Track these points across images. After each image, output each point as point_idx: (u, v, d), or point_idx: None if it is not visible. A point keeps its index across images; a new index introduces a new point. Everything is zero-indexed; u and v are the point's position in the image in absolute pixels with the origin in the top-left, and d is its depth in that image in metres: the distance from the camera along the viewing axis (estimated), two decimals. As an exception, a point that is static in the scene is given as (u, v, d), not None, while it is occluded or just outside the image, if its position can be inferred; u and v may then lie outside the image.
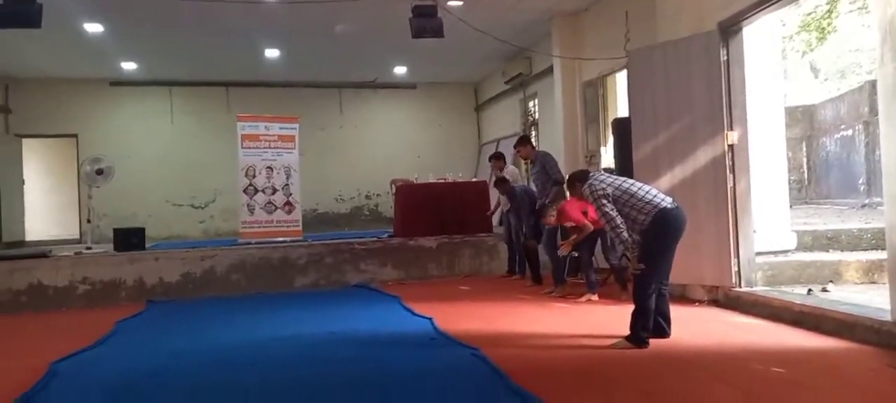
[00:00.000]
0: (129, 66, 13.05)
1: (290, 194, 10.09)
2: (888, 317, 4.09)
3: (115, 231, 8.72)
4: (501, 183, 7.97)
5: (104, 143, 13.26)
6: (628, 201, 4.45)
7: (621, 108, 9.39)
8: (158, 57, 12.55)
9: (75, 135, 14.07)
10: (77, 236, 13.39)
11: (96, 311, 7.13)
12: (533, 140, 13.17)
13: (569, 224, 6.37)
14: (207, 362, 4.62)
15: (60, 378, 4.20)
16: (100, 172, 10.04)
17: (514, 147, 8.38)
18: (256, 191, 9.86)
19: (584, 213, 6.21)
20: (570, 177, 5.37)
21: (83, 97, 14.09)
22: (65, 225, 14.44)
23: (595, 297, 6.28)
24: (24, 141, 14.07)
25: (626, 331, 4.40)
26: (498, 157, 8.74)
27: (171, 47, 11.80)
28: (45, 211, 14.77)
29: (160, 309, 7.09)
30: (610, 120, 9.16)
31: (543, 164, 7.62)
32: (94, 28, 10.35)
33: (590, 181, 4.66)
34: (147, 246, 8.85)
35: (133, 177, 13.59)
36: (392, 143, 15.64)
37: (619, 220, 4.43)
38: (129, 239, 8.45)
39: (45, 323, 6.70)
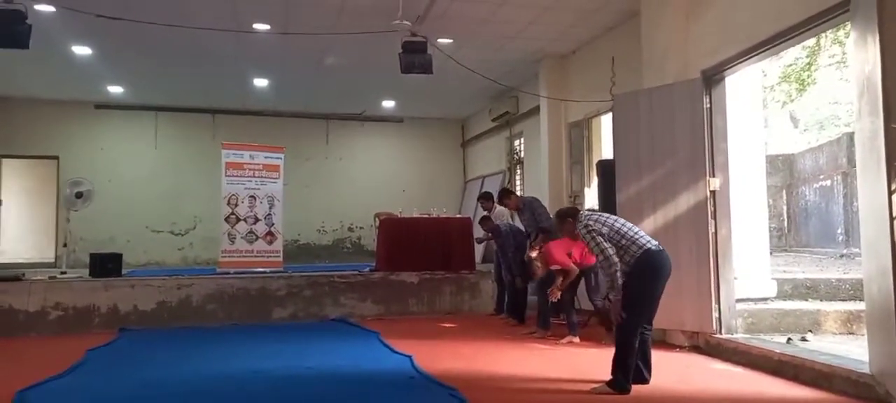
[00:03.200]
0: (115, 89, 12.99)
1: (273, 224, 10.00)
2: (866, 369, 4.10)
3: (92, 256, 8.56)
4: (485, 221, 7.96)
5: (85, 166, 13.14)
6: (618, 241, 4.44)
7: (606, 150, 9.48)
8: (145, 81, 12.51)
9: (57, 157, 13.92)
10: (52, 260, 13.13)
11: (67, 338, 6.95)
12: (517, 181, 13.30)
13: (553, 266, 6.36)
14: (179, 394, 4.50)
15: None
16: (79, 195, 9.89)
17: (499, 202, 8.38)
18: (238, 219, 9.76)
19: (569, 255, 6.20)
20: (559, 213, 5.37)
21: (67, 119, 13.98)
22: (40, 248, 14.18)
23: (576, 339, 6.25)
24: (4, 161, 13.87)
25: (608, 376, 4.36)
26: (486, 197, 8.78)
27: (158, 72, 11.78)
28: (22, 234, 14.52)
29: (133, 338, 6.93)
30: (594, 161, 9.24)
31: (532, 211, 7.69)
32: (82, 51, 10.32)
33: (585, 220, 4.59)
34: (124, 272, 8.69)
35: (113, 201, 13.45)
36: (377, 176, 15.64)
37: (615, 259, 4.35)
38: (105, 265, 8.29)
39: (14, 349, 6.51)
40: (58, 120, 13.89)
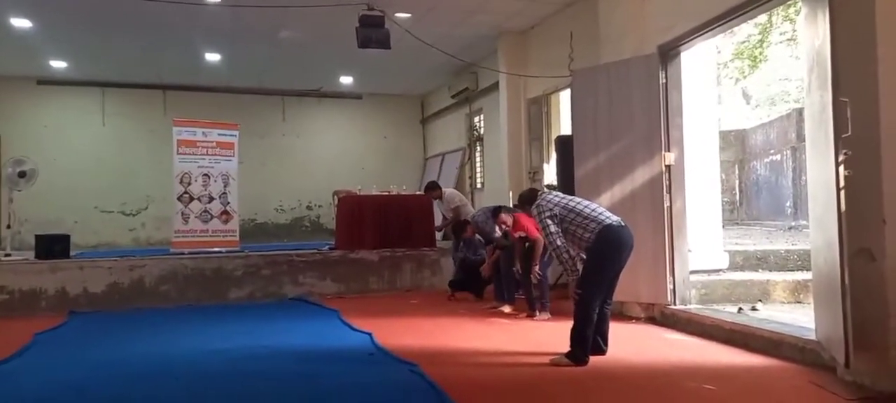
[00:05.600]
0: (58, 64, 12.44)
1: (228, 203, 9.77)
2: (812, 336, 4.24)
3: (38, 237, 8.22)
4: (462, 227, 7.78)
5: (29, 144, 12.58)
6: (574, 219, 4.50)
7: (564, 126, 9.55)
8: (91, 56, 12.00)
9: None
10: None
11: (13, 322, 6.68)
12: (477, 157, 13.31)
13: (519, 233, 6.33)
14: (132, 375, 4.37)
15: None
16: (22, 174, 9.46)
17: (425, 191, 9.31)
18: (192, 198, 9.50)
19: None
20: (519, 197, 5.42)
21: (7, 95, 13.35)
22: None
23: (546, 315, 6.24)
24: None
25: (566, 348, 4.41)
26: (434, 187, 8.90)
27: (104, 46, 11.31)
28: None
29: (83, 321, 6.70)
30: (553, 137, 9.29)
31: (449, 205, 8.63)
32: (21, 23, 9.82)
33: (538, 200, 4.70)
34: (72, 254, 8.39)
35: (60, 180, 12.93)
36: (336, 154, 15.43)
37: (559, 241, 4.50)
38: (52, 247, 7.98)
39: None
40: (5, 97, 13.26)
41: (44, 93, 13.66)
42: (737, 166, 12.50)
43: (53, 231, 9.56)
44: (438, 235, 9.41)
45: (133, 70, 13.03)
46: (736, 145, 12.51)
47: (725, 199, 11.14)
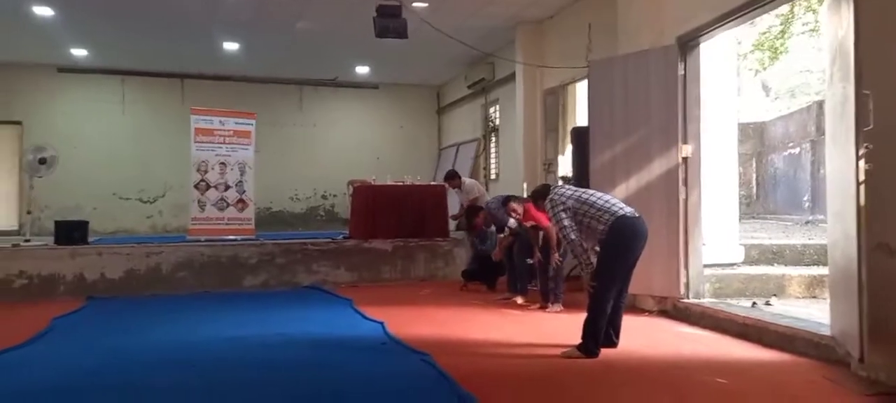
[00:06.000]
0: (79, 52, 12.58)
1: (244, 192, 9.85)
2: (827, 331, 4.19)
3: (57, 223, 8.36)
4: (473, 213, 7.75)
5: (50, 132, 12.77)
6: (587, 211, 4.47)
7: (581, 118, 9.48)
8: (111, 44, 12.12)
9: (19, 123, 13.51)
10: (16, 228, 12.82)
11: (32, 306, 6.79)
12: (492, 148, 13.27)
13: (528, 223, 6.33)
14: (149, 362, 4.43)
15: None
16: (43, 162, 9.59)
17: (445, 179, 9.43)
18: (209, 186, 9.59)
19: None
20: (533, 192, 5.40)
21: (29, 83, 13.55)
22: (3, 216, 13.80)
23: (559, 307, 6.22)
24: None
25: (578, 340, 4.40)
26: (453, 176, 8.89)
27: (124, 35, 11.41)
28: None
29: (100, 307, 6.79)
30: (569, 128, 9.23)
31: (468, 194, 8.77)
32: (42, 11, 9.94)
33: (551, 194, 4.68)
34: (90, 240, 8.51)
35: (79, 167, 13.13)
36: (351, 143, 15.47)
37: (573, 235, 4.46)
38: (71, 233, 8.10)
39: None
40: (19, 84, 13.47)
41: (64, 80, 13.83)
42: (754, 159, 12.34)
43: (72, 217, 9.72)
44: (453, 224, 9.42)
45: (152, 58, 13.16)
46: (754, 138, 12.34)
47: (742, 193, 10.99)
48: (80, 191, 13.35)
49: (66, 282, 7.43)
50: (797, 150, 11.11)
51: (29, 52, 12.47)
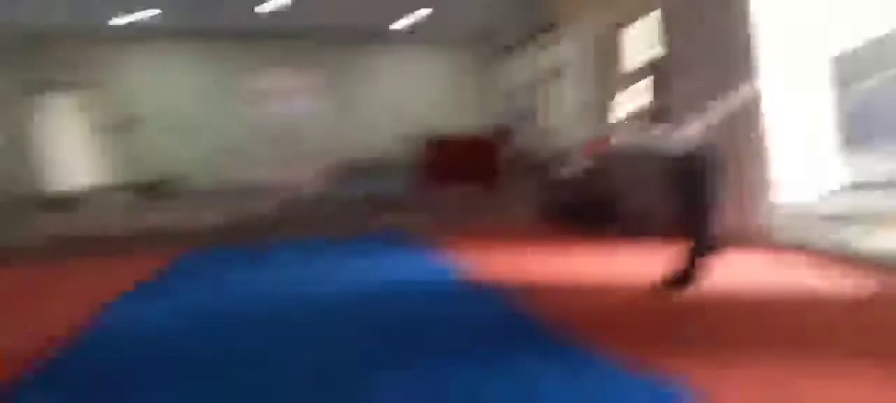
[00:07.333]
0: (151, 13, 12.89)
1: (316, 145, 10.09)
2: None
3: (145, 181, 8.79)
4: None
5: (134, 94, 13.29)
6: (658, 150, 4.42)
7: (639, 59, 9.18)
8: (182, 5, 12.34)
9: (104, 85, 14.10)
10: (106, 185, 13.50)
11: (137, 259, 7.02)
12: (551, 92, 13.07)
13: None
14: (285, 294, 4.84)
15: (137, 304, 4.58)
16: (129, 123, 10.07)
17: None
18: (281, 141, 9.88)
19: None
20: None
21: (110, 48, 14.05)
22: (95, 175, 14.54)
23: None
24: (50, 93, 14.09)
25: (668, 277, 4.39)
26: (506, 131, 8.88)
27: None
28: (75, 162, 14.89)
29: (190, 259, 6.97)
30: (630, 68, 8.98)
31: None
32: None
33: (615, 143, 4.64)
34: (179, 195, 8.95)
35: (164, 128, 13.62)
36: (418, 95, 15.58)
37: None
38: (161, 189, 8.54)
39: (92, 268, 6.66)
40: (103, 50, 14.03)
41: (142, 42, 14.29)
42: (849, 86, 11.66)
43: (157, 175, 10.21)
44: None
45: (220, 17, 13.25)
46: (849, 62, 11.65)
47: (836, 121, 10.48)
48: (168, 149, 13.61)
49: (160, 235, 7.84)
50: None
51: (104, 15, 12.85)
